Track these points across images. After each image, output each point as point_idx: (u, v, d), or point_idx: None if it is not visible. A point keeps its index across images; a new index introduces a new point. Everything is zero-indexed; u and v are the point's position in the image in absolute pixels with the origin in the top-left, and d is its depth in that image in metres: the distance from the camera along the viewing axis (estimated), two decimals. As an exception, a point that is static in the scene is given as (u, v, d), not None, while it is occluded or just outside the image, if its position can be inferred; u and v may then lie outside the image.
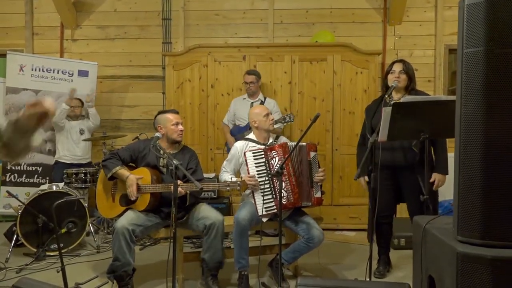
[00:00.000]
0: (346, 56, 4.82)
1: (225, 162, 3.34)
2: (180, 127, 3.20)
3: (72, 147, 4.80)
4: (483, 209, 1.65)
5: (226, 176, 3.23)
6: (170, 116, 3.21)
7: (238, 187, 2.92)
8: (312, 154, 3.15)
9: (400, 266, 3.54)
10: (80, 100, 4.90)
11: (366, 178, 3.25)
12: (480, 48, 1.65)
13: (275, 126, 4.11)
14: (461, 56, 1.71)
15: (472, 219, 1.68)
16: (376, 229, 3.23)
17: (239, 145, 3.31)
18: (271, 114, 3.35)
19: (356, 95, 4.82)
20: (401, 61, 3.26)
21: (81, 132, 4.81)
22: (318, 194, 3.14)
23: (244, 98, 4.60)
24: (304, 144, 3.12)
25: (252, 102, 4.49)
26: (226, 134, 4.74)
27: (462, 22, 1.71)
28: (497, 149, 1.64)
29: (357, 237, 4.52)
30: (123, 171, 3.08)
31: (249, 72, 4.58)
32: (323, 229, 3.13)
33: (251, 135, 3.37)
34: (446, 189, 3.03)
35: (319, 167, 3.17)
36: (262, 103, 4.45)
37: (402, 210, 3.52)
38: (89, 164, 4.83)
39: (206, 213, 3.14)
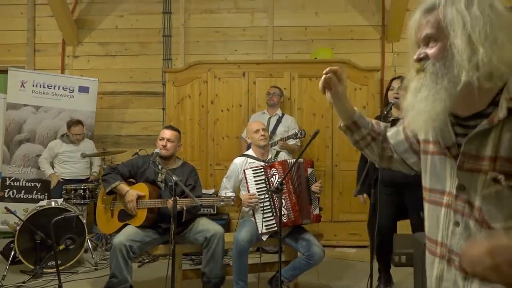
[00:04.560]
0: (345, 73, 4.84)
1: (224, 179, 3.33)
2: (164, 142, 3.18)
3: (71, 165, 4.78)
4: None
5: (224, 193, 3.22)
6: (162, 130, 3.29)
7: (232, 202, 2.91)
8: (309, 170, 3.16)
9: (401, 284, 3.50)
10: (81, 124, 4.82)
11: (365, 195, 3.23)
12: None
13: (290, 142, 4.12)
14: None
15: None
16: (376, 246, 3.21)
17: (238, 161, 3.31)
18: (263, 130, 3.31)
19: (355, 111, 4.84)
20: (400, 77, 3.28)
21: (82, 156, 4.74)
22: (317, 211, 3.13)
23: (263, 113, 4.61)
24: (301, 160, 3.12)
25: (270, 117, 4.50)
26: (242, 149, 4.74)
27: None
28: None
29: (357, 254, 4.48)
30: (123, 186, 3.08)
31: (273, 86, 4.66)
32: (323, 246, 3.10)
33: (250, 151, 3.37)
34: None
35: (316, 182, 3.18)
36: (280, 118, 4.47)
37: (402, 226, 3.49)
38: (87, 179, 4.81)
39: (206, 226, 3.14)
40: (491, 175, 0.95)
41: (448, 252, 1.07)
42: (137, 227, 3.05)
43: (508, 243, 0.89)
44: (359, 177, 3.36)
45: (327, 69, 1.27)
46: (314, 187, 3.12)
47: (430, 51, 1.00)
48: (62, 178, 4.69)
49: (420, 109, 1.01)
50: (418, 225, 3.02)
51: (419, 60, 1.02)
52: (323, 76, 1.26)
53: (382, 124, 1.36)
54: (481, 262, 0.89)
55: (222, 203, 2.94)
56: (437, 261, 1.11)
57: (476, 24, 0.93)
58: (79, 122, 4.80)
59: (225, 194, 3.11)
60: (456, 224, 1.04)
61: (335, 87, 1.27)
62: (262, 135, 3.26)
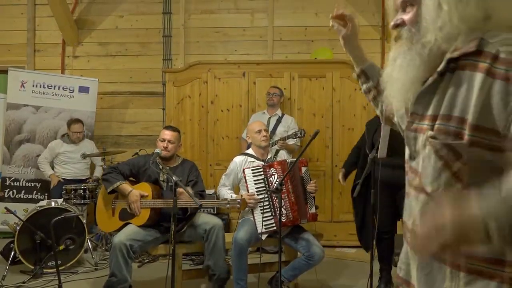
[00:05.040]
0: (345, 73, 4.85)
1: (223, 176, 3.34)
2: (164, 143, 3.18)
3: (71, 166, 4.78)
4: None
5: (225, 190, 3.22)
6: (162, 131, 3.30)
7: (238, 205, 2.90)
8: (303, 169, 3.16)
9: (401, 284, 3.50)
10: (81, 123, 4.84)
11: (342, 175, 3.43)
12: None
13: (290, 142, 4.12)
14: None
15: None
16: (377, 246, 3.21)
17: (238, 159, 3.31)
18: (265, 131, 3.33)
19: (355, 111, 4.84)
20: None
21: (83, 156, 4.73)
22: (313, 210, 3.13)
23: (264, 113, 4.61)
24: (293, 159, 3.14)
25: (270, 117, 4.50)
26: (242, 150, 4.73)
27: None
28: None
29: (357, 254, 4.48)
30: (125, 186, 3.08)
31: (273, 86, 4.66)
32: (323, 246, 3.11)
33: (250, 150, 3.37)
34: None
35: (311, 181, 3.19)
36: (279, 118, 4.47)
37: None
38: (87, 180, 4.81)
39: (205, 219, 3.17)
40: (427, 134, 0.90)
41: (411, 231, 1.02)
42: (138, 226, 3.05)
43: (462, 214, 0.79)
44: (348, 161, 3.50)
45: (332, 15, 1.25)
46: (310, 187, 3.13)
47: (406, 16, 0.96)
48: (62, 178, 4.69)
49: (395, 77, 0.97)
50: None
51: (396, 26, 0.98)
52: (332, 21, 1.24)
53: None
54: (433, 237, 0.82)
55: (227, 206, 2.93)
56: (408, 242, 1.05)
57: None
58: (78, 121, 4.81)
59: (231, 197, 3.09)
60: (407, 195, 1.00)
61: (342, 31, 1.25)
62: (264, 136, 3.27)
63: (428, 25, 0.90)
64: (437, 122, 0.88)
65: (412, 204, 0.99)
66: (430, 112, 0.91)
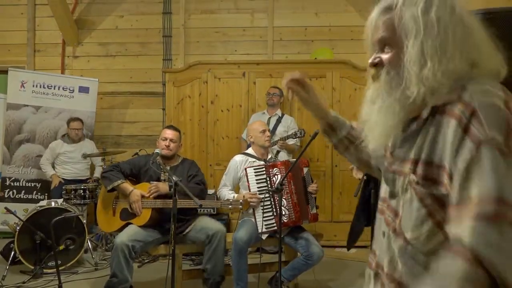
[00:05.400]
0: (345, 73, 4.85)
1: (224, 176, 3.34)
2: (166, 142, 3.18)
3: (71, 166, 4.78)
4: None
5: (226, 191, 3.22)
6: (163, 130, 3.30)
7: (240, 206, 2.90)
8: (305, 170, 3.17)
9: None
10: (81, 120, 4.86)
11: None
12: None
13: (289, 142, 4.13)
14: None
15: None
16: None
17: (238, 158, 3.31)
18: (268, 131, 3.35)
19: (355, 111, 4.76)
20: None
21: (83, 156, 4.72)
22: (314, 210, 3.14)
23: (263, 113, 4.61)
24: (294, 160, 3.14)
25: (270, 117, 4.51)
26: (242, 150, 4.73)
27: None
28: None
29: (357, 254, 4.47)
30: (126, 185, 3.08)
31: (273, 86, 4.66)
32: (323, 246, 3.11)
33: (250, 150, 3.37)
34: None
35: (312, 182, 3.19)
36: (279, 118, 4.47)
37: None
38: (88, 180, 4.81)
39: (208, 224, 3.16)
40: (408, 178, 0.88)
41: (376, 266, 1.00)
42: (139, 226, 3.05)
43: None
44: None
45: (284, 81, 1.19)
46: (311, 188, 3.13)
47: (385, 56, 0.92)
48: (62, 179, 4.69)
49: (374, 121, 0.95)
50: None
51: (374, 65, 0.95)
52: (286, 85, 1.19)
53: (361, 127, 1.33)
54: None
55: (230, 207, 2.93)
56: (371, 274, 1.03)
57: (430, 33, 0.86)
58: (78, 119, 4.83)
59: (233, 197, 3.08)
60: (383, 234, 0.98)
61: (299, 93, 1.20)
62: (268, 136, 3.29)
63: (411, 77, 0.87)
64: (419, 167, 0.87)
65: (384, 245, 0.97)
66: (412, 156, 0.89)
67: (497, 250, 0.73)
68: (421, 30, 0.86)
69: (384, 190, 1.03)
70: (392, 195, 0.96)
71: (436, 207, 0.84)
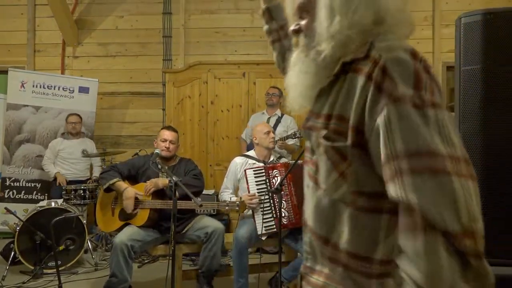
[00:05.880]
0: None
1: (225, 179, 3.34)
2: (167, 144, 3.19)
3: (71, 166, 4.78)
4: (483, 227, 1.64)
5: (226, 195, 3.23)
6: (162, 131, 3.28)
7: (237, 207, 2.92)
8: None
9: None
10: (79, 116, 4.88)
11: None
12: (477, 66, 1.67)
13: (289, 142, 4.12)
14: (458, 74, 1.73)
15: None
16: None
17: (239, 160, 3.31)
18: (273, 133, 3.35)
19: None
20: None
21: (84, 153, 4.72)
22: None
23: (263, 113, 4.62)
24: (301, 161, 3.12)
25: (269, 117, 4.51)
26: (242, 150, 4.73)
27: (459, 40, 1.74)
28: (496, 165, 1.64)
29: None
30: (121, 184, 3.09)
31: (273, 86, 4.67)
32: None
33: (251, 152, 3.37)
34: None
35: None
36: (279, 119, 4.47)
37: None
38: (88, 180, 4.80)
39: (207, 222, 3.19)
40: (320, 133, 0.91)
41: (304, 223, 1.03)
42: (138, 226, 3.06)
43: None
44: None
45: None
46: None
47: (303, 22, 0.96)
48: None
49: (294, 83, 0.98)
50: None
51: (295, 32, 0.98)
52: None
53: None
54: None
55: (227, 208, 2.96)
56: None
57: None
58: (76, 114, 4.84)
59: (230, 199, 3.12)
60: (307, 186, 1.01)
61: None
62: (272, 137, 3.29)
63: (322, 34, 0.90)
64: (332, 121, 0.90)
65: (308, 197, 1.01)
66: (325, 111, 0.92)
67: (434, 202, 0.75)
68: None
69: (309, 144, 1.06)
70: (312, 149, 0.99)
71: (338, 158, 0.87)
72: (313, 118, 0.96)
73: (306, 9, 0.95)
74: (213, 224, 3.15)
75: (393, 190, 0.79)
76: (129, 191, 3.04)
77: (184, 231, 3.15)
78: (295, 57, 1.00)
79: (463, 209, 0.75)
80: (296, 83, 0.98)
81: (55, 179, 4.79)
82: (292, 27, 0.99)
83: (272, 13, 1.27)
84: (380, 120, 0.80)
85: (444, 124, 0.79)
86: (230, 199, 3.11)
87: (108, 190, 3.13)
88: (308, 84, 0.95)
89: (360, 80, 0.84)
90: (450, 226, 0.74)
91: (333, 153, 0.88)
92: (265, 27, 1.31)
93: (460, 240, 0.74)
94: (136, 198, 3.05)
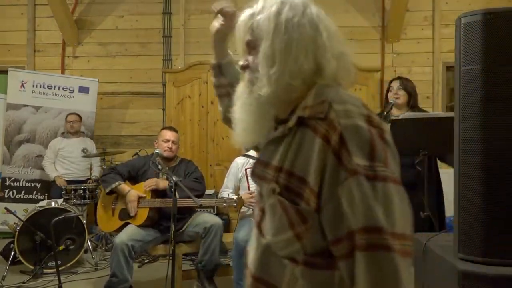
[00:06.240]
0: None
1: (225, 179, 3.35)
2: (169, 144, 3.20)
3: (71, 166, 4.77)
4: (484, 227, 1.64)
5: (225, 193, 3.23)
6: (163, 132, 3.29)
7: (235, 204, 2.93)
8: None
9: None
10: (78, 115, 4.87)
11: None
12: (477, 66, 1.67)
13: None
14: (458, 74, 1.73)
15: (472, 236, 1.67)
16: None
17: (240, 160, 3.32)
18: None
19: (355, 111, 4.84)
20: (399, 78, 3.30)
21: (84, 151, 4.70)
22: None
23: None
24: None
25: None
26: (242, 150, 4.71)
27: (459, 40, 1.73)
28: (497, 165, 1.64)
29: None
30: (124, 186, 3.10)
31: None
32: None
33: (252, 152, 3.37)
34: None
35: None
36: None
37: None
38: (87, 180, 4.80)
39: (205, 218, 3.22)
40: (271, 186, 0.89)
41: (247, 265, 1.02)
42: (138, 226, 3.06)
43: None
44: None
45: (217, 8, 1.18)
46: None
47: (250, 58, 0.96)
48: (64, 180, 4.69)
49: (238, 117, 0.98)
50: (417, 225, 3.02)
51: (243, 68, 0.98)
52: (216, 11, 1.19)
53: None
54: None
55: (224, 205, 2.97)
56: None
57: (278, 34, 0.89)
58: (75, 113, 4.84)
59: (228, 195, 3.12)
60: (255, 227, 1.00)
61: (225, 25, 1.19)
62: None
63: (263, 77, 0.90)
64: (281, 176, 0.88)
65: (253, 239, 0.99)
66: (275, 162, 0.90)
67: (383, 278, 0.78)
68: (271, 31, 0.90)
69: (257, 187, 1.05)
70: (260, 194, 0.97)
71: (298, 219, 0.86)
72: (261, 167, 0.94)
73: (253, 46, 0.94)
74: (211, 219, 3.17)
75: (342, 264, 0.81)
76: (132, 194, 3.05)
77: (183, 229, 3.16)
78: (240, 91, 0.99)
79: (404, 286, 0.77)
80: (240, 117, 0.97)
81: (55, 179, 4.79)
82: (240, 62, 0.98)
83: (222, 69, 1.23)
84: (341, 191, 0.80)
85: (390, 199, 0.80)
86: (228, 195, 3.12)
87: (111, 192, 3.14)
88: (250, 121, 0.95)
89: (318, 142, 0.83)
90: None
91: (293, 212, 0.86)
92: (213, 79, 1.27)
93: None
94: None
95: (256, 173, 0.97)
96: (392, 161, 0.83)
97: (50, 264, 3.74)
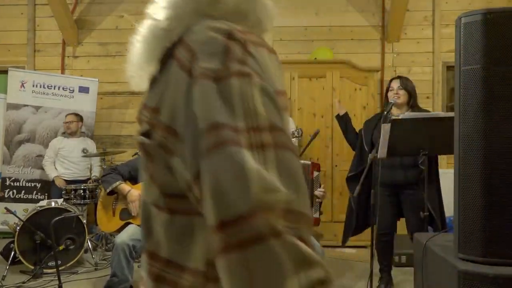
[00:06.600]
0: (345, 73, 4.85)
1: None
2: None
3: (71, 166, 4.77)
4: (484, 227, 1.64)
5: None
6: None
7: None
8: (315, 173, 3.16)
9: (402, 284, 3.51)
10: (76, 115, 4.86)
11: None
12: (477, 65, 1.67)
13: None
14: (458, 74, 1.73)
15: (472, 236, 1.67)
16: (376, 246, 3.22)
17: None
18: None
19: (355, 111, 4.84)
20: (399, 77, 3.30)
21: (84, 151, 4.70)
22: (316, 215, 3.13)
23: None
24: (309, 163, 3.12)
25: None
26: None
27: (459, 40, 1.74)
28: (497, 165, 1.64)
29: (357, 254, 4.48)
30: (124, 186, 3.10)
31: None
32: (323, 246, 3.11)
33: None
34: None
35: (320, 186, 3.18)
36: None
37: (402, 226, 3.50)
38: (87, 180, 4.80)
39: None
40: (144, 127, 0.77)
41: None
42: (139, 226, 3.06)
43: None
44: (353, 165, 3.47)
45: None
46: (317, 192, 3.12)
47: None
48: (63, 179, 4.69)
49: (132, 53, 0.87)
50: (418, 225, 3.03)
51: None
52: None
53: None
54: None
55: None
56: None
57: None
58: (73, 113, 4.84)
59: None
60: None
61: None
62: None
63: (160, 3, 0.81)
64: (153, 115, 0.75)
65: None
66: (150, 103, 0.77)
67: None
68: None
69: None
70: None
71: (146, 158, 0.77)
72: (142, 110, 0.79)
73: None
74: None
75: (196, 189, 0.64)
76: (133, 193, 3.05)
77: None
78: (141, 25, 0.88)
79: (253, 181, 0.58)
80: (132, 54, 0.84)
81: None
82: None
83: None
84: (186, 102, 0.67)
85: (249, 93, 0.65)
86: None
87: (111, 193, 3.14)
88: (140, 54, 0.82)
89: (175, 66, 0.72)
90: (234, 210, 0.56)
91: (142, 150, 0.76)
92: None
93: (248, 223, 0.56)
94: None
95: (138, 118, 0.83)
96: (257, 66, 0.70)
97: (50, 264, 3.74)
